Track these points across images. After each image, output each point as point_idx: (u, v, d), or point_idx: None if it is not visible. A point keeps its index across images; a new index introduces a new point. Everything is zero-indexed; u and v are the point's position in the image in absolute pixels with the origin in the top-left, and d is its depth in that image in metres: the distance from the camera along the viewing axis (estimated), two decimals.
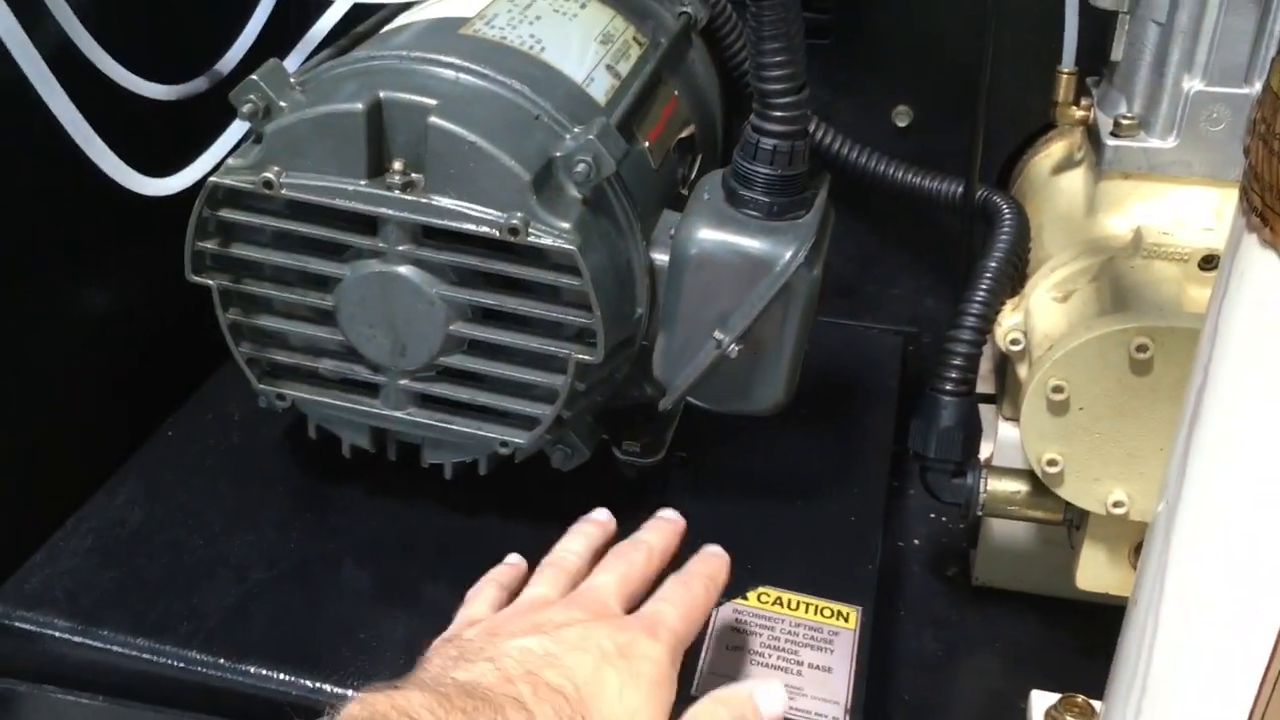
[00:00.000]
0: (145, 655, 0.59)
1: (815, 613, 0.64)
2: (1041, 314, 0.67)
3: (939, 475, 0.72)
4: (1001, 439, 0.75)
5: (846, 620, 0.64)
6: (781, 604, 0.64)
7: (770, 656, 0.61)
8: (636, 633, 0.51)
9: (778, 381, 0.64)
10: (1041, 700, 0.71)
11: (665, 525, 0.59)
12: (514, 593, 0.56)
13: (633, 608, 0.54)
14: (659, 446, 0.75)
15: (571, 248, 0.57)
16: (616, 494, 0.72)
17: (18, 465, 0.67)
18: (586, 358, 0.59)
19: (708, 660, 0.61)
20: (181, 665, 0.58)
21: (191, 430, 0.73)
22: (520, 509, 0.69)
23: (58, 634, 0.59)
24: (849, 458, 0.77)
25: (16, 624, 0.60)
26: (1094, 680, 0.72)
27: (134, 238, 0.72)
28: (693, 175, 0.74)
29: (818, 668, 0.61)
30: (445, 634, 0.53)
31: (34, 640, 0.59)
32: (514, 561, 0.59)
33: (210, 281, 0.61)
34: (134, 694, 0.59)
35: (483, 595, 0.56)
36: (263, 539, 0.65)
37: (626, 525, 0.69)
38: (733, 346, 0.61)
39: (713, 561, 0.58)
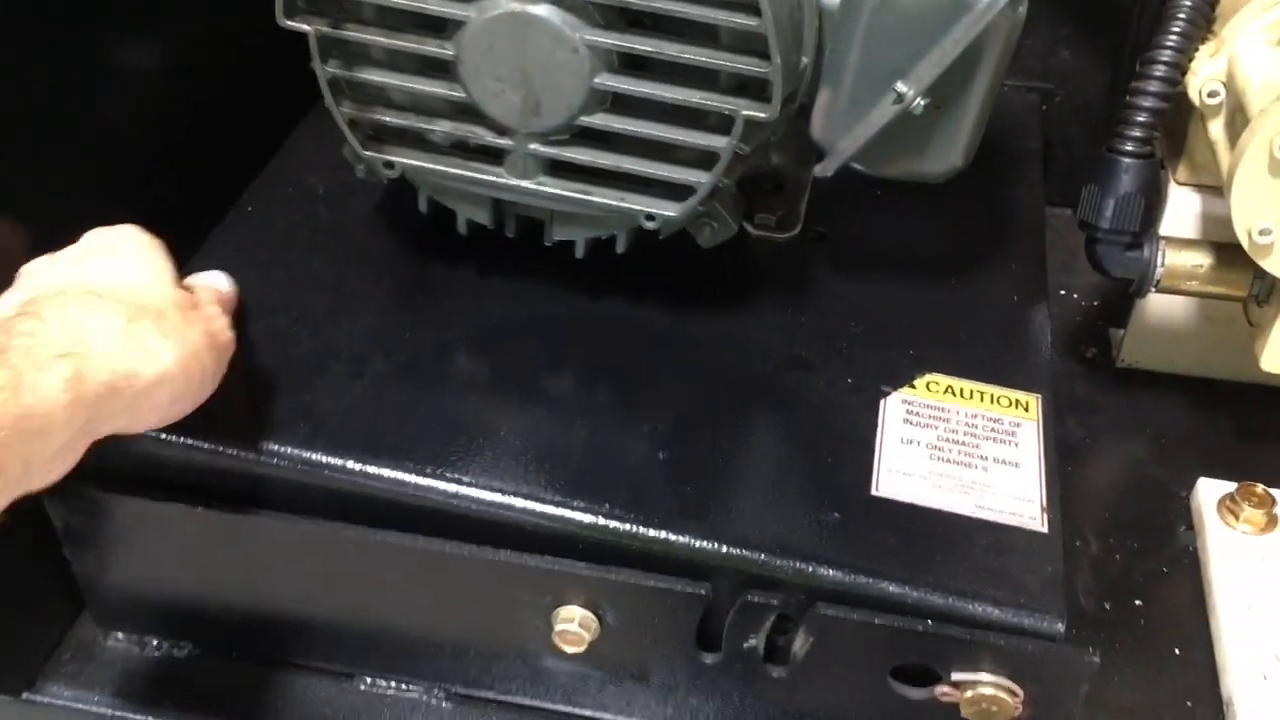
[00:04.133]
0: (263, 459, 0.52)
1: (992, 402, 0.58)
2: (1254, 61, 0.59)
3: (1112, 248, 0.65)
4: (1174, 206, 0.67)
5: (1027, 410, 0.58)
6: (954, 393, 0.58)
7: (950, 451, 0.55)
8: (112, 235, 0.50)
9: (958, 142, 0.56)
10: (1211, 489, 0.66)
11: None
12: None
13: None
14: (794, 220, 0.67)
15: None
16: (752, 275, 0.65)
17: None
18: (759, 114, 0.51)
19: (882, 456, 0.55)
20: (305, 469, 0.52)
21: (273, 204, 0.64)
22: (651, 291, 0.62)
23: (160, 435, 0.52)
24: (1000, 230, 0.69)
25: None
26: (1259, 467, 0.68)
27: None
28: None
29: (1004, 462, 0.55)
30: None
31: (128, 443, 0.53)
32: None
33: (306, 27, 0.52)
34: (246, 500, 0.53)
35: None
36: (373, 326, 0.58)
37: (766, 308, 0.62)
38: (919, 101, 0.53)
39: None
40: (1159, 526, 0.66)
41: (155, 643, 0.60)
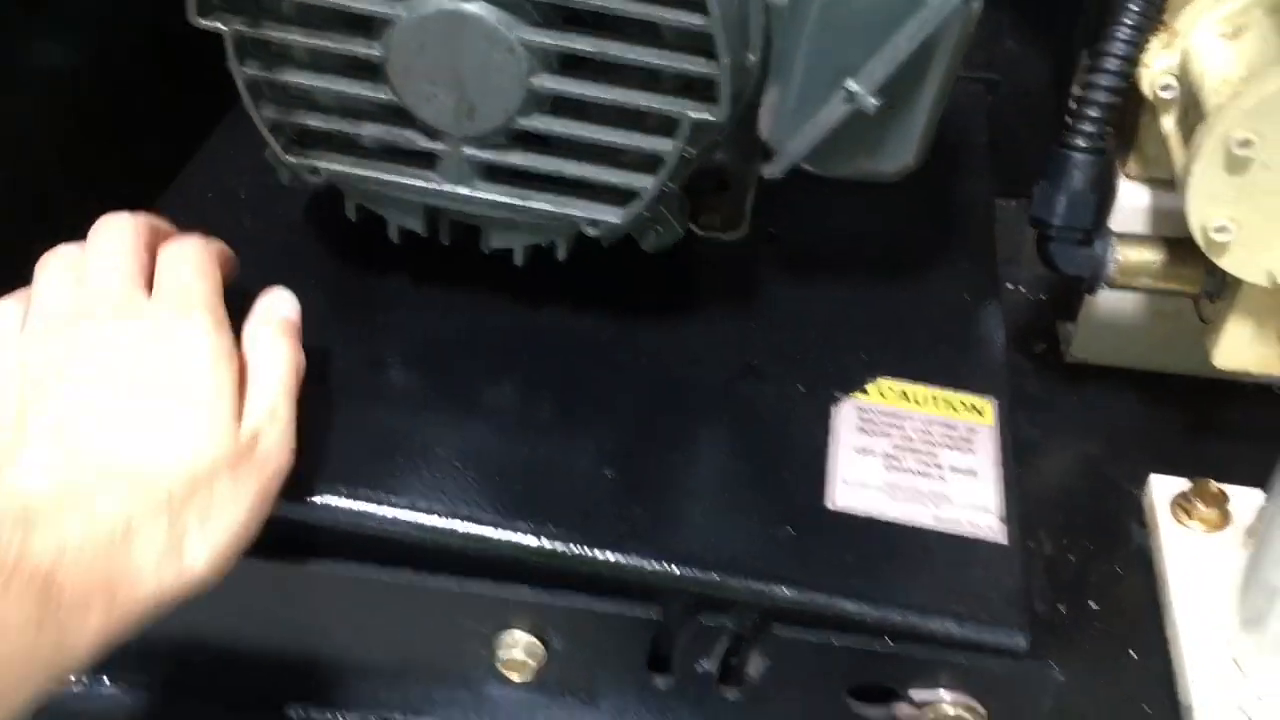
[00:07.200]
0: None
1: (947, 407, 0.56)
2: (1209, 55, 0.57)
3: (1064, 245, 0.63)
4: (1124, 201, 0.66)
5: (982, 414, 0.56)
6: (908, 398, 0.57)
7: (906, 460, 0.54)
8: (169, 318, 0.47)
9: (911, 141, 0.54)
10: (1164, 486, 0.65)
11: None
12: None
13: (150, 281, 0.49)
14: (740, 220, 0.65)
15: None
16: (699, 279, 0.63)
17: None
18: (706, 116, 0.48)
19: (837, 467, 0.53)
20: None
21: (192, 212, 0.61)
22: (595, 298, 0.59)
23: None
24: (950, 226, 0.68)
25: None
26: (1211, 463, 0.67)
27: None
28: None
29: (961, 470, 0.54)
30: None
31: None
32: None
33: (222, 26, 0.48)
34: None
35: None
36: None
37: (715, 314, 0.60)
38: (870, 99, 0.51)
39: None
40: (1112, 525, 0.65)
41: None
